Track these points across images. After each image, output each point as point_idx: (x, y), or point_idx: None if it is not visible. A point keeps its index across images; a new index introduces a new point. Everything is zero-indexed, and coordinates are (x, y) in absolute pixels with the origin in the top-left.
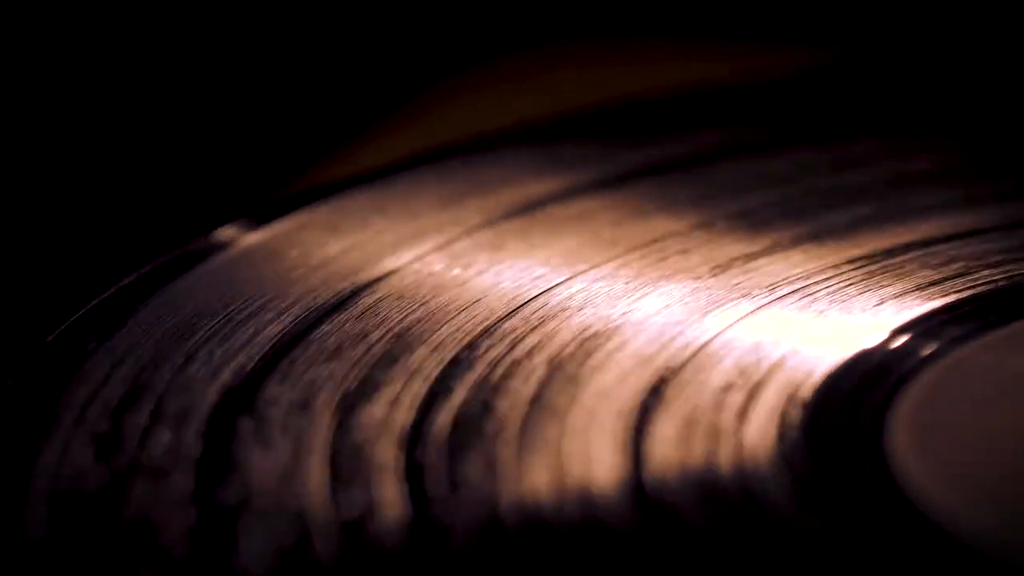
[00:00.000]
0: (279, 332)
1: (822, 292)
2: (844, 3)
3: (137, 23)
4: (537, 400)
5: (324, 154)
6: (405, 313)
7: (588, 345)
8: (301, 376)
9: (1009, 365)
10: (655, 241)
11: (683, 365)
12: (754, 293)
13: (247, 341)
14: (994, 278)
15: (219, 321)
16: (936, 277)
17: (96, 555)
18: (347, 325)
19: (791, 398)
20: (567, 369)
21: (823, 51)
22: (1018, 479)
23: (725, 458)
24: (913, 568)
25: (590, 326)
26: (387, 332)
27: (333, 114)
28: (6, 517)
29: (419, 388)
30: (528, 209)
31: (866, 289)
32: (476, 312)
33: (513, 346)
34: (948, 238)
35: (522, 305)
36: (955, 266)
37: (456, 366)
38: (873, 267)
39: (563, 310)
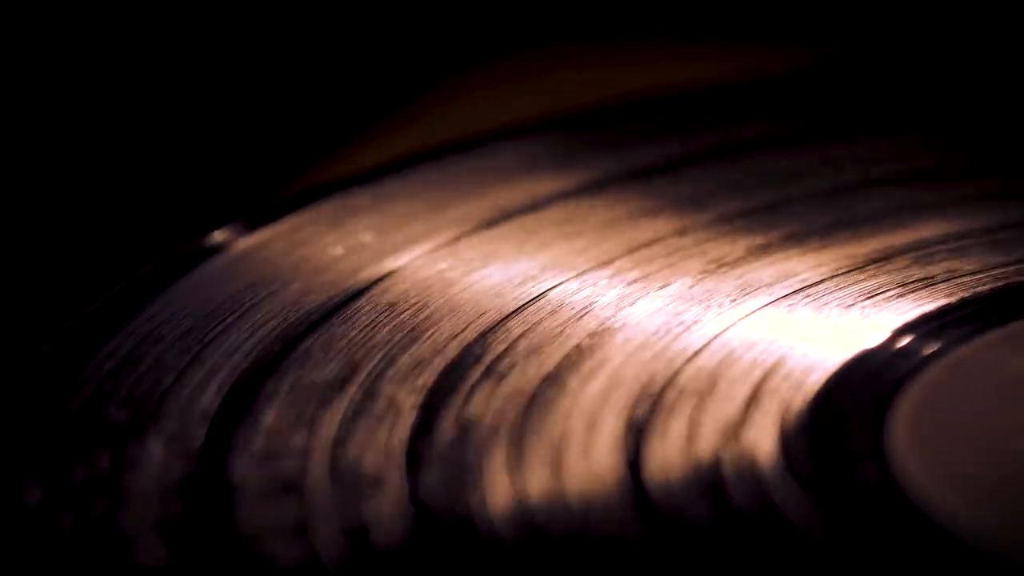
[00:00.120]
0: (279, 332)
1: (822, 292)
2: (844, 3)
3: (138, 24)
4: (537, 400)
5: (324, 154)
6: (405, 313)
7: (588, 345)
8: (301, 376)
9: (1009, 365)
10: (655, 240)
11: (683, 365)
12: (754, 293)
13: (247, 341)
14: (994, 278)
15: (219, 322)
16: (936, 277)
17: (96, 555)
18: (347, 325)
19: (791, 398)
20: (567, 370)
21: (823, 50)
22: (1018, 479)
23: (725, 458)
24: (913, 568)
25: (590, 326)
26: (387, 332)
27: (333, 114)
28: (6, 516)
29: (419, 388)
30: (529, 209)
31: (866, 289)
32: (476, 312)
33: (513, 346)
34: (948, 238)
35: (523, 305)
36: (955, 266)
37: (456, 366)
38: (874, 267)
39: (563, 310)
